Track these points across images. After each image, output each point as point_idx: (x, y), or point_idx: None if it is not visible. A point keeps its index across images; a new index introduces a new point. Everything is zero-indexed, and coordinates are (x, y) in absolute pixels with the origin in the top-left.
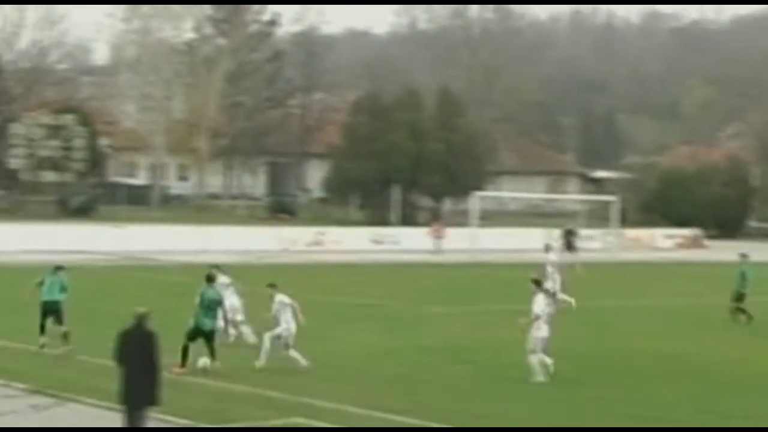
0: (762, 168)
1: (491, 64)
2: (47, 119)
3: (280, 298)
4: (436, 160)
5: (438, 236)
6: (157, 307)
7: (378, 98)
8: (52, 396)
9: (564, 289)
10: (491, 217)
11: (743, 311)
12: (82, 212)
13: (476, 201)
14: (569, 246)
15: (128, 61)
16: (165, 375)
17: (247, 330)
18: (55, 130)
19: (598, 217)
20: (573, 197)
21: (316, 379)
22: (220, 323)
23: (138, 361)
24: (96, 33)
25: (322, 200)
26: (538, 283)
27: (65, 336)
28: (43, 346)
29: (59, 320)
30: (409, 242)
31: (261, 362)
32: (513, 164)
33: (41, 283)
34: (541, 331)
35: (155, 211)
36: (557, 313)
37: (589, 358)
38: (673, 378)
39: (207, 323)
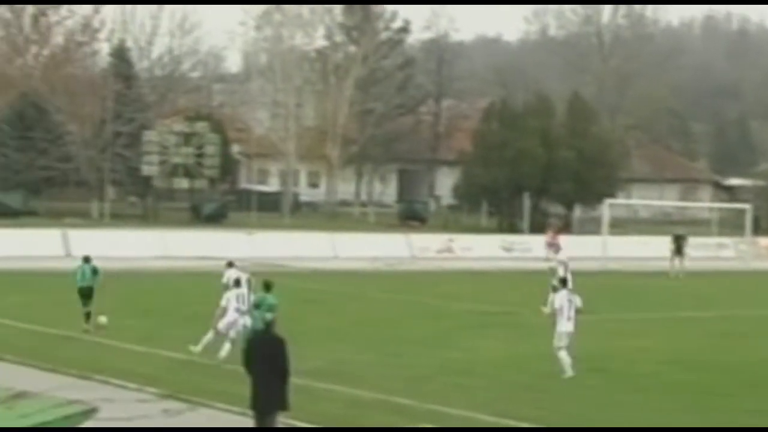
0: None
1: (623, 71)
2: (180, 126)
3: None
4: (566, 168)
5: (552, 243)
6: (286, 314)
7: (508, 105)
8: (184, 401)
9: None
10: (622, 225)
11: None
12: (214, 219)
13: (607, 209)
14: (678, 251)
15: (260, 69)
16: (295, 381)
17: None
18: (188, 138)
19: (730, 225)
20: (705, 205)
21: (446, 386)
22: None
23: (268, 366)
24: (228, 41)
25: (452, 207)
26: (563, 282)
27: (88, 315)
28: (86, 331)
29: (89, 302)
30: (539, 249)
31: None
32: (644, 171)
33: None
34: (562, 326)
35: (286, 218)
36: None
37: (732, 368)
38: None
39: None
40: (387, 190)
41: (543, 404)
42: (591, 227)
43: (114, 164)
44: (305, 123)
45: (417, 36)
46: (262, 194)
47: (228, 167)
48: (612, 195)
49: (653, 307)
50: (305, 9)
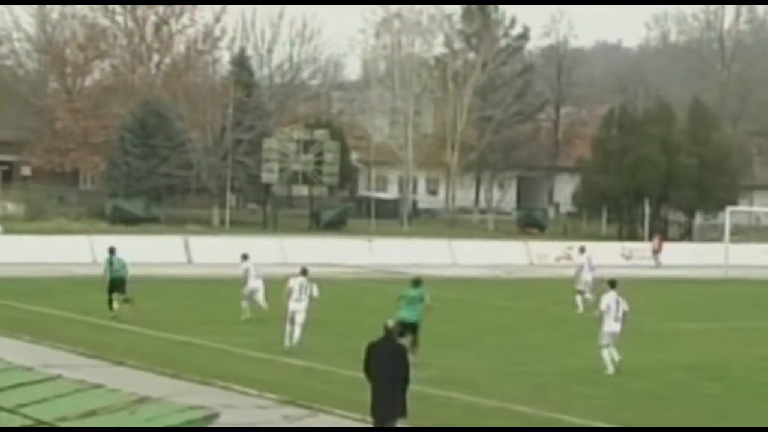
0: None
1: (745, 77)
2: (300, 134)
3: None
4: (687, 175)
5: (656, 250)
6: None
7: (628, 111)
8: (305, 407)
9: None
10: (744, 233)
11: None
12: (333, 226)
13: (728, 216)
14: None
15: (379, 77)
16: (413, 387)
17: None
18: (307, 145)
19: None
20: None
21: (567, 395)
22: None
23: (387, 373)
24: (348, 49)
25: (571, 214)
26: (612, 284)
27: (126, 300)
28: (114, 317)
29: (123, 290)
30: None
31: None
32: (767, 178)
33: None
34: (608, 326)
35: (404, 225)
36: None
37: None
38: None
39: (409, 316)
40: (506, 197)
41: (663, 413)
42: (712, 235)
43: (234, 172)
44: (424, 130)
45: (536, 42)
46: (380, 201)
47: (347, 174)
48: (733, 202)
49: None
50: (424, 16)
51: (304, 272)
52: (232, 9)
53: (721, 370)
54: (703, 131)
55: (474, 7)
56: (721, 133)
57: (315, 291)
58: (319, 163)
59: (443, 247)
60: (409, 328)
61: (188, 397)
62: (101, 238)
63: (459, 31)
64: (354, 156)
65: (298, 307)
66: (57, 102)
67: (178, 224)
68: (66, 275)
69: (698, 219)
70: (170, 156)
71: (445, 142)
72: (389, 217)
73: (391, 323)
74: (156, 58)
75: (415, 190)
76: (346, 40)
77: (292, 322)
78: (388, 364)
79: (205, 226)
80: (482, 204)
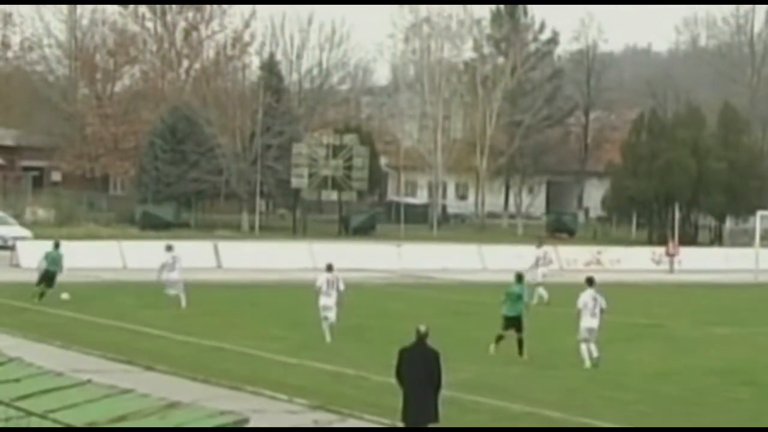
0: None
1: None
2: (329, 139)
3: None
4: (717, 179)
5: (671, 254)
6: (434, 325)
7: (658, 116)
8: (335, 412)
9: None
10: None
11: None
12: (362, 231)
13: (759, 220)
14: None
15: (408, 81)
16: (444, 392)
17: None
18: (336, 150)
19: None
20: None
21: (597, 399)
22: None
23: (420, 378)
24: (377, 54)
25: (601, 219)
26: (590, 281)
27: (42, 294)
28: (41, 296)
29: (52, 285)
30: (689, 262)
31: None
32: None
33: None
34: (585, 321)
35: (434, 230)
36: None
37: None
38: None
39: (512, 311)
40: (535, 202)
41: (693, 418)
42: (742, 239)
43: (264, 177)
44: (453, 135)
45: (565, 47)
46: (410, 206)
47: (376, 179)
48: (764, 206)
49: None
50: (453, 21)
51: (329, 268)
52: (262, 14)
53: (751, 375)
54: (733, 135)
55: (503, 11)
56: (752, 137)
57: (341, 285)
58: (348, 168)
59: (473, 252)
60: (513, 322)
61: (218, 402)
62: (131, 243)
63: (488, 36)
64: (383, 161)
65: (328, 301)
66: (87, 108)
67: (207, 229)
68: (96, 281)
69: (728, 223)
70: (200, 161)
71: (474, 146)
72: (418, 222)
73: (423, 328)
74: (186, 63)
75: (444, 195)
76: (375, 44)
77: (326, 318)
78: (420, 369)
79: (235, 231)
80: (511, 209)
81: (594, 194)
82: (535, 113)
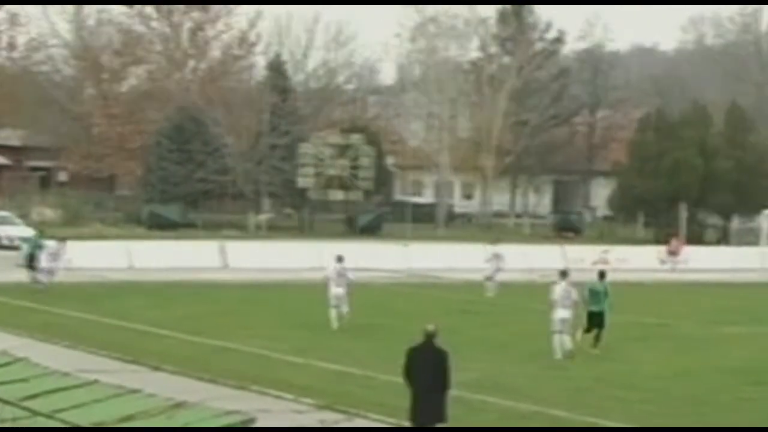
0: None
1: None
2: (335, 139)
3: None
4: (724, 178)
5: (673, 253)
6: (442, 324)
7: (665, 115)
8: (341, 411)
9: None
10: None
11: None
12: (369, 231)
13: (765, 219)
14: None
15: (414, 81)
16: (451, 392)
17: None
18: (342, 150)
19: None
20: None
21: (605, 399)
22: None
23: (428, 378)
24: (383, 53)
25: (608, 218)
26: (563, 274)
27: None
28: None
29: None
30: (696, 261)
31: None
32: None
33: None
34: (558, 313)
35: (440, 229)
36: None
37: None
38: None
39: (596, 307)
40: (542, 201)
41: (702, 418)
42: (749, 238)
43: (270, 176)
44: (459, 134)
45: (572, 46)
46: (416, 206)
47: (383, 179)
48: None
49: None
50: (459, 20)
51: (339, 259)
52: (268, 14)
53: (761, 375)
54: (740, 134)
55: (509, 11)
56: (759, 136)
57: (351, 275)
58: (354, 167)
59: (478, 251)
60: (596, 318)
61: (225, 402)
62: (138, 243)
63: (494, 35)
64: (389, 160)
65: (339, 291)
66: (93, 108)
67: (214, 229)
68: (102, 280)
69: (735, 222)
70: (206, 161)
71: (480, 146)
72: (425, 221)
73: (431, 327)
74: (192, 63)
75: (450, 195)
76: (381, 44)
77: (337, 306)
78: (428, 369)
79: (242, 231)
80: (518, 208)
81: (600, 193)
82: (542, 112)
